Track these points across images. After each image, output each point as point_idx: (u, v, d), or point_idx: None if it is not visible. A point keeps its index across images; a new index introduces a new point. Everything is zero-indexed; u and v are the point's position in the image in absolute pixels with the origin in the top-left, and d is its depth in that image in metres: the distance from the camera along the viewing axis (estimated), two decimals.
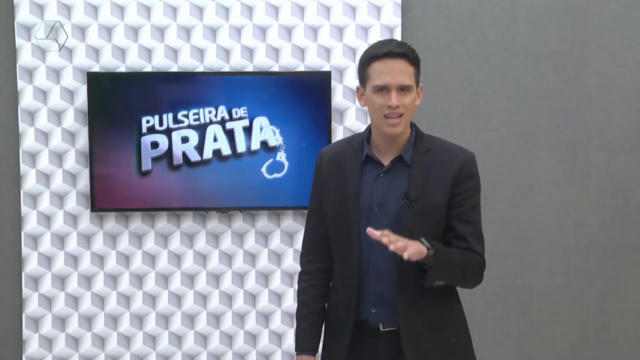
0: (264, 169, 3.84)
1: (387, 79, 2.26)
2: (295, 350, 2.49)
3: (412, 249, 2.16)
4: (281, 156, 3.84)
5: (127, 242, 3.91)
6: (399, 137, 2.34)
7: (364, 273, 2.36)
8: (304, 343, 2.48)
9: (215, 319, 3.95)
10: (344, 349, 2.39)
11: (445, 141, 2.43)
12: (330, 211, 2.42)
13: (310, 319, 2.49)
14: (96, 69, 3.85)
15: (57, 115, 3.86)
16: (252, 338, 3.96)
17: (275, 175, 3.84)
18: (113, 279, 3.92)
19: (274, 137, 3.84)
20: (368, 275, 2.36)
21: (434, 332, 2.36)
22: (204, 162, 3.83)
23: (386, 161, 2.36)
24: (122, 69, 3.86)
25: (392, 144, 2.35)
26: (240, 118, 3.83)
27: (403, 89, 2.27)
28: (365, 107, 2.38)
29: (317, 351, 2.50)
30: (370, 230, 2.18)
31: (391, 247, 2.15)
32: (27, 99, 3.84)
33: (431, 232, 2.32)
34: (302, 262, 2.55)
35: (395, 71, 2.26)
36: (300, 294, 2.52)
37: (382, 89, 2.27)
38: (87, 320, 3.93)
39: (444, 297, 2.38)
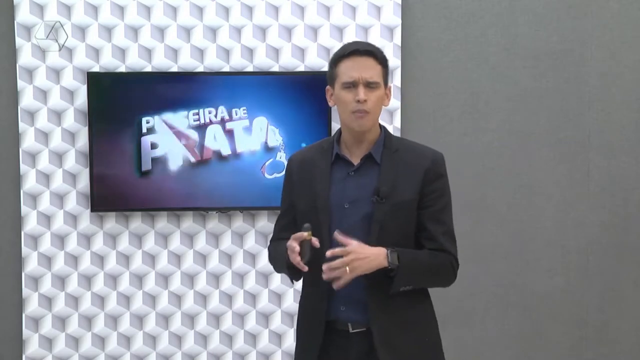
0: (264, 169, 3.85)
1: (354, 75, 2.31)
2: (284, 252, 2.37)
3: (365, 268, 2.23)
4: (281, 156, 3.84)
5: (127, 242, 3.91)
6: (368, 137, 2.38)
7: None
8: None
9: (215, 319, 3.95)
10: (315, 351, 2.38)
11: (413, 142, 2.47)
12: (301, 212, 2.42)
13: (284, 238, 2.46)
14: (96, 69, 3.85)
15: (57, 115, 3.86)
16: (252, 338, 3.96)
17: (276, 175, 3.84)
18: (113, 279, 3.92)
19: (274, 137, 3.84)
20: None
21: (405, 330, 2.35)
22: (204, 162, 3.83)
23: (356, 160, 2.39)
24: (122, 69, 3.86)
25: (361, 143, 2.38)
26: (240, 118, 3.83)
27: (370, 85, 2.31)
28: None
29: None
30: (336, 235, 2.23)
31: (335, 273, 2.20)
32: (27, 99, 3.84)
33: (401, 229, 2.34)
34: (268, 247, 2.59)
35: (362, 67, 2.31)
36: (272, 245, 2.55)
37: (350, 85, 2.32)
38: (87, 320, 3.93)
39: (415, 296, 2.37)
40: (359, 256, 2.22)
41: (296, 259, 2.25)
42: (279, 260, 2.43)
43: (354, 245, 2.23)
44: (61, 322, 3.92)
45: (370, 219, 2.32)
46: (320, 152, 2.45)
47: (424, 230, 2.36)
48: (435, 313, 2.46)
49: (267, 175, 3.84)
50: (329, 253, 2.22)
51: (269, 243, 2.61)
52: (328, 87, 2.42)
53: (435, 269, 2.35)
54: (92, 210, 3.83)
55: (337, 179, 2.38)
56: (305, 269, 2.26)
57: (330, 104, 2.43)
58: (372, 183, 2.35)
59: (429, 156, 2.39)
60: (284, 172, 2.62)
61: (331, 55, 3.88)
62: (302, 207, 2.41)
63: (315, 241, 2.26)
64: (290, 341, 3.94)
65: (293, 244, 2.26)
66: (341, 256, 2.23)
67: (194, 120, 3.82)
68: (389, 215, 2.31)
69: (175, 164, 3.83)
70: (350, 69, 2.32)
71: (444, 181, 2.40)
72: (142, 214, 3.90)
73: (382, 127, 2.44)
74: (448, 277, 2.40)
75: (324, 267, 2.23)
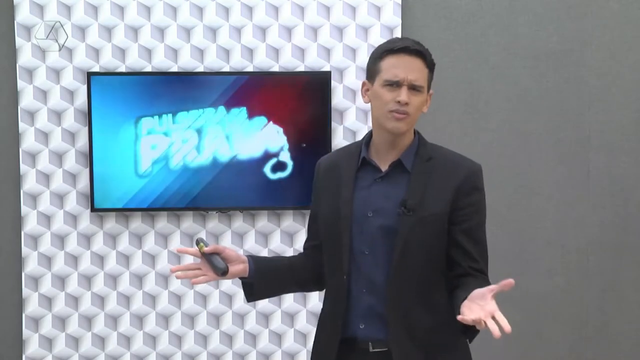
0: (267, 169, 3.84)
1: (400, 74, 2.12)
2: None
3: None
4: (285, 156, 3.83)
5: (127, 242, 3.91)
6: (400, 142, 2.20)
7: (354, 284, 2.19)
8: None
9: (215, 319, 3.95)
10: None
11: (450, 151, 2.27)
12: (324, 219, 2.28)
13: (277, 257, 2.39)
14: (96, 69, 3.85)
15: (57, 115, 3.86)
16: (252, 338, 3.96)
17: (280, 175, 3.84)
18: (113, 279, 3.92)
19: (274, 137, 3.84)
20: (358, 287, 2.20)
21: (429, 353, 2.17)
22: (204, 163, 3.83)
23: (384, 166, 2.21)
24: (122, 69, 3.86)
25: (392, 148, 2.20)
26: (240, 118, 3.83)
27: (414, 89, 2.14)
28: (366, 107, 2.28)
29: (253, 268, 2.29)
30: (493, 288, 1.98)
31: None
32: (27, 99, 3.84)
33: (428, 245, 2.16)
34: None
35: (410, 68, 2.13)
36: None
37: (393, 84, 2.13)
38: (87, 320, 3.93)
39: (445, 322, 2.17)
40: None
41: (209, 279, 2.22)
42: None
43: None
44: (61, 322, 3.92)
45: (394, 231, 2.14)
46: (347, 156, 2.27)
47: (458, 247, 2.18)
48: (467, 342, 2.24)
49: (270, 176, 3.84)
50: (490, 291, 1.97)
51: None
52: (365, 81, 2.22)
53: None
54: (92, 210, 3.83)
55: (362, 186, 2.21)
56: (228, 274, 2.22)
57: (364, 99, 2.23)
58: (400, 192, 2.16)
59: (465, 167, 2.20)
60: (288, 173, 2.50)
61: (333, 54, 3.91)
62: (325, 214, 2.26)
63: (208, 249, 2.20)
64: (290, 341, 3.94)
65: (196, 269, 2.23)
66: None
67: (194, 120, 3.82)
68: (415, 229, 2.13)
69: (175, 164, 3.83)
70: (396, 67, 2.13)
71: (480, 195, 2.21)
72: (142, 214, 3.90)
73: (416, 133, 2.25)
74: None
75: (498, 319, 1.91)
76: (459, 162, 2.22)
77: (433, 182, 2.17)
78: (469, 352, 2.29)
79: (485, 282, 2.19)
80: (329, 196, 2.27)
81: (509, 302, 4.01)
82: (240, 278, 2.30)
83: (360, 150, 2.26)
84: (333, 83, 3.86)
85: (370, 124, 3.23)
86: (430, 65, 2.19)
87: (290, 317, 3.94)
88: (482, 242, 2.22)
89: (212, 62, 3.88)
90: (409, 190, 2.16)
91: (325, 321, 2.29)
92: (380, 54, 2.18)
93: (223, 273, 2.20)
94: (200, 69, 3.88)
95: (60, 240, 3.89)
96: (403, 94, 2.12)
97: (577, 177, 3.99)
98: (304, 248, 2.46)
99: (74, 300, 3.92)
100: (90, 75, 3.78)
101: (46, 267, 3.89)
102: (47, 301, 3.90)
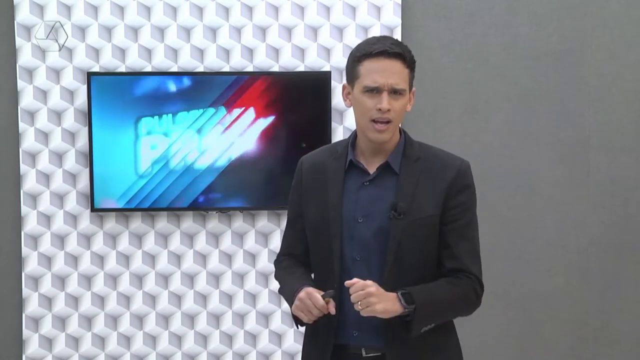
0: (268, 169, 3.84)
1: (379, 80, 2.07)
2: (292, 293, 2.17)
3: (381, 307, 2.03)
4: (285, 157, 3.83)
5: (127, 242, 3.91)
6: (385, 145, 2.16)
7: (345, 291, 2.11)
8: (301, 283, 2.19)
9: (215, 319, 3.95)
10: None
11: (437, 149, 2.23)
12: (311, 224, 2.22)
13: (297, 271, 2.26)
14: (96, 69, 3.85)
15: (57, 115, 3.86)
16: (252, 338, 3.96)
17: (282, 174, 3.83)
18: (113, 279, 3.92)
19: (274, 137, 3.83)
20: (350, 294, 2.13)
21: (424, 357, 2.18)
22: (203, 162, 3.83)
23: (372, 168, 2.17)
24: (122, 69, 3.86)
25: (378, 151, 2.17)
26: (240, 118, 3.83)
27: (395, 93, 2.09)
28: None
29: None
30: (347, 283, 2.05)
31: (357, 308, 2.02)
32: (27, 99, 3.84)
33: (421, 248, 2.14)
34: (275, 262, 2.41)
35: (389, 72, 2.07)
36: (279, 268, 2.35)
37: (373, 90, 2.08)
38: (87, 320, 3.93)
39: (438, 324, 2.16)
40: (376, 293, 2.02)
41: (309, 320, 2.11)
42: (288, 298, 2.23)
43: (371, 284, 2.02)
44: (61, 322, 3.92)
45: (386, 235, 2.11)
46: (333, 157, 2.22)
47: (446, 248, 2.15)
48: (459, 340, 2.28)
49: (273, 176, 3.83)
50: (347, 283, 2.04)
51: (276, 257, 2.41)
52: (345, 84, 2.18)
53: (457, 300, 2.15)
54: (92, 210, 3.83)
55: (351, 189, 2.16)
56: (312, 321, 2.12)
57: (345, 104, 2.19)
58: (389, 195, 2.13)
59: (453, 166, 2.16)
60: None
61: (333, 54, 3.91)
62: (312, 217, 2.21)
63: (332, 307, 2.08)
64: (290, 341, 3.94)
65: (309, 305, 2.08)
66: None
67: (194, 120, 3.82)
68: (407, 232, 2.10)
69: (175, 164, 3.83)
70: (375, 72, 2.07)
71: (470, 193, 2.18)
72: (142, 214, 3.90)
73: (402, 132, 2.20)
74: (471, 305, 2.19)
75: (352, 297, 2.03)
76: (447, 162, 2.18)
77: (423, 183, 2.14)
78: (461, 352, 2.30)
79: (468, 282, 2.16)
80: (315, 198, 2.22)
81: (509, 302, 4.02)
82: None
83: (347, 151, 2.21)
84: (333, 83, 3.86)
85: None
86: (410, 65, 2.12)
87: (290, 317, 3.93)
88: (472, 240, 2.19)
89: (212, 62, 3.88)
90: (398, 193, 2.13)
91: (315, 329, 2.23)
92: (359, 57, 2.12)
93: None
94: (200, 69, 3.88)
95: (60, 240, 3.89)
96: (384, 101, 2.08)
97: (577, 177, 3.99)
98: (292, 254, 2.35)
99: (74, 300, 3.92)
100: (90, 75, 3.78)
101: (46, 267, 3.89)
102: (47, 301, 3.90)
